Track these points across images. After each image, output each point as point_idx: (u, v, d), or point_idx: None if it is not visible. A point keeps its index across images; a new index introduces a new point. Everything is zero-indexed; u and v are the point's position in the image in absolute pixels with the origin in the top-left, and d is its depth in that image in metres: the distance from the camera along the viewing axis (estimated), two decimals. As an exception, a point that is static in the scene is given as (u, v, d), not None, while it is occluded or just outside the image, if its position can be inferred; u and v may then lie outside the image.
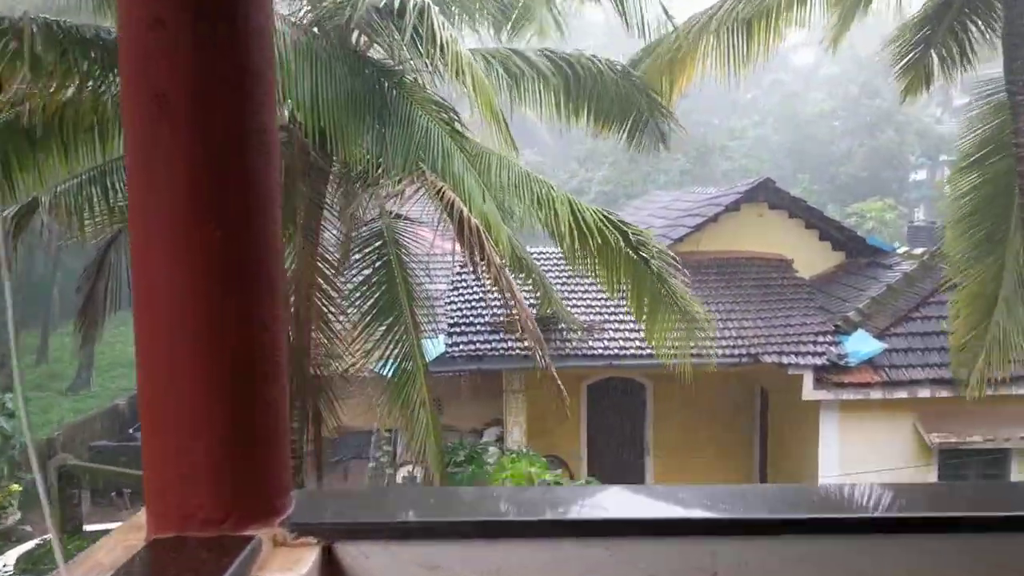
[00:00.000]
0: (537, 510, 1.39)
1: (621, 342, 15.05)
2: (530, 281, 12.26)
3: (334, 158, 9.59)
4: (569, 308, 14.92)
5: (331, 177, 10.03)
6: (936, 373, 13.96)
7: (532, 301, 12.96)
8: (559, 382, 9.54)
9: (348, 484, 16.94)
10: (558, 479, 11.40)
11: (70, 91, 7.53)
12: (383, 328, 9.84)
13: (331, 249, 10.48)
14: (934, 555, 1.28)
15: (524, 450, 13.27)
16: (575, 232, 9.67)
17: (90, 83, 7.29)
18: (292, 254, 9.89)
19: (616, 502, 1.44)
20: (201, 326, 1.17)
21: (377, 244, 10.32)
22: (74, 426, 20.87)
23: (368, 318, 10.00)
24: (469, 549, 1.26)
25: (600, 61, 10.93)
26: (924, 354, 14.38)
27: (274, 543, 1.22)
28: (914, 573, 1.28)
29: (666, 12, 10.78)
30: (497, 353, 14.68)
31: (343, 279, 10.53)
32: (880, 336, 14.59)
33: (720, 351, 14.08)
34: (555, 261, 16.81)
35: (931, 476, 14.59)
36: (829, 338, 14.61)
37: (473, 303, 15.79)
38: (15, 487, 15.92)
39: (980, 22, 11.16)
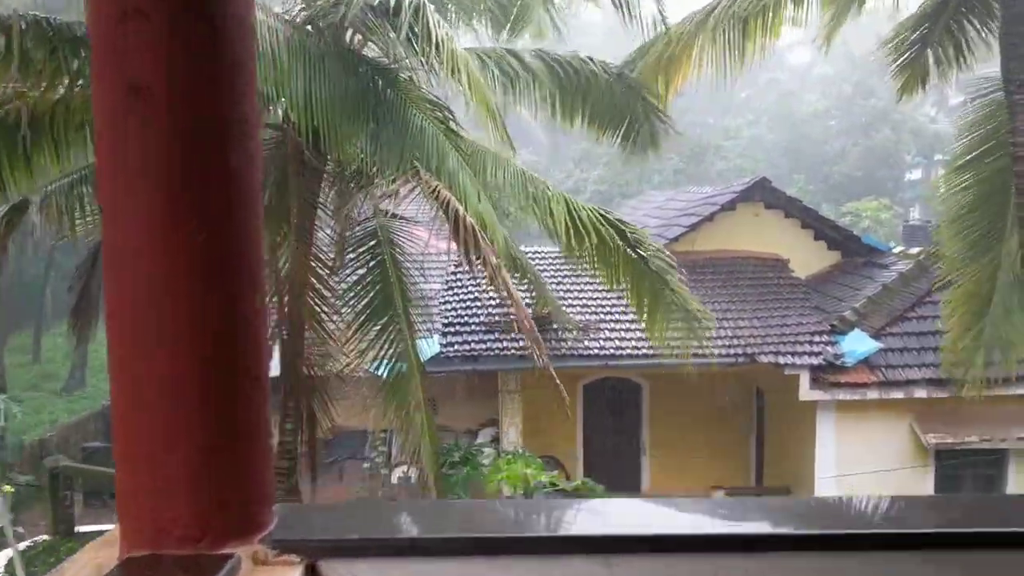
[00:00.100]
0: (534, 525, 1.33)
1: (617, 342, 15.02)
2: (525, 281, 12.21)
3: (328, 157, 9.53)
4: (564, 308, 14.88)
5: (325, 176, 9.97)
6: (932, 373, 13.94)
7: (528, 301, 12.90)
8: (558, 381, 9.49)
9: (343, 484, 16.87)
10: (554, 480, 11.35)
11: (61, 89, 7.46)
12: (377, 328, 9.81)
13: (325, 249, 10.43)
14: (940, 571, 1.23)
15: (520, 451, 13.22)
16: (571, 231, 9.62)
17: (80, 81, 7.22)
18: (286, 254, 9.85)
19: (618, 516, 1.38)
20: (179, 329, 1.10)
21: (371, 243, 10.28)
22: (67, 427, 20.77)
23: (362, 318, 9.96)
24: (463, 566, 1.20)
25: (595, 63, 10.89)
26: (920, 354, 14.37)
27: (254, 561, 1.15)
28: None
29: (661, 12, 10.75)
30: (492, 353, 14.63)
31: (337, 279, 10.49)
32: (876, 336, 14.57)
33: (716, 351, 14.04)
34: (550, 260, 16.78)
35: (928, 477, 14.57)
36: (825, 338, 14.59)
37: (468, 303, 15.73)
38: (7, 488, 15.83)
39: (977, 21, 11.13)
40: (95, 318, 11.14)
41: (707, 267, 16.80)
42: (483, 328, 15.01)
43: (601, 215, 9.91)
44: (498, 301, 13.02)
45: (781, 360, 14.39)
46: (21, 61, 6.69)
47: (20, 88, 7.40)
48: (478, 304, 15.49)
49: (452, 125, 9.42)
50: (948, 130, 40.18)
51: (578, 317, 15.22)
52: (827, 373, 14.21)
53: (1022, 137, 9.78)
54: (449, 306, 15.89)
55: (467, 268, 10.44)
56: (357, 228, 10.45)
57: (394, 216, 10.71)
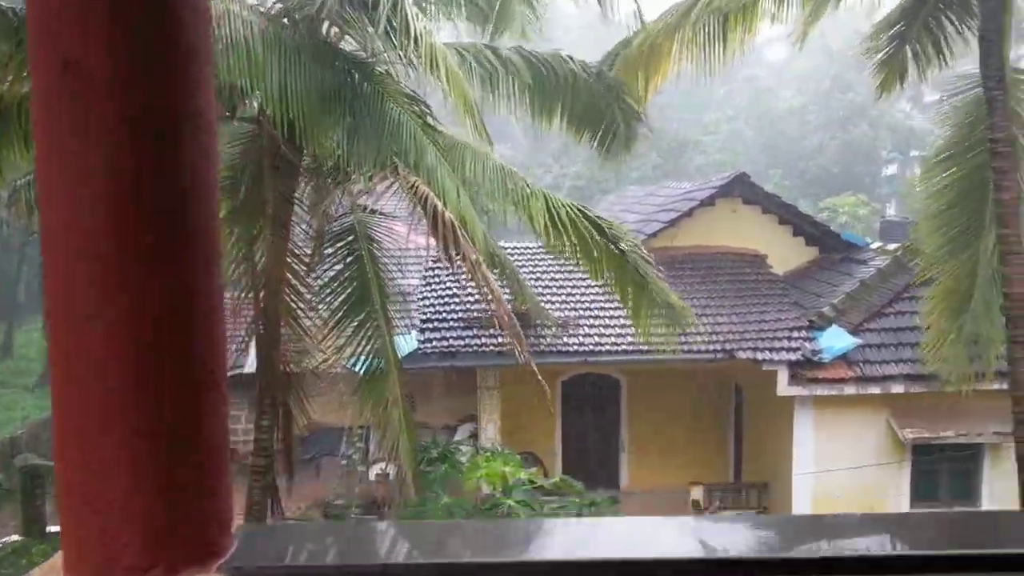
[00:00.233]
0: (502, 550, 1.24)
1: (596, 338, 14.97)
2: (504, 277, 12.15)
3: (304, 152, 9.42)
4: (543, 304, 14.82)
5: (302, 171, 9.86)
6: (910, 368, 14.00)
7: (506, 297, 12.83)
8: (540, 377, 9.44)
9: (320, 481, 16.75)
10: (533, 477, 11.29)
11: (29, 82, 7.30)
12: (355, 324, 9.73)
13: (301, 244, 10.33)
14: None
15: (498, 448, 13.16)
16: (550, 229, 9.57)
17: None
18: (262, 248, 9.74)
19: (583, 540, 1.29)
20: (112, 309, 1.01)
21: (349, 239, 10.20)
22: (39, 424, 20.43)
23: (339, 314, 9.88)
24: None
25: (574, 62, 10.83)
26: (898, 349, 14.43)
27: None
28: None
29: (639, 9, 10.73)
30: (471, 350, 14.54)
31: (314, 275, 10.39)
32: (854, 331, 14.61)
33: (695, 347, 14.03)
34: (528, 256, 16.71)
35: (904, 472, 14.64)
36: (803, 334, 14.61)
37: (446, 299, 15.63)
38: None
39: (955, 18, 11.15)
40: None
41: (686, 263, 16.78)
42: (461, 324, 14.92)
43: (580, 211, 9.86)
44: (477, 297, 12.95)
45: (759, 356, 14.40)
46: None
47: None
48: (456, 300, 15.39)
49: (430, 120, 9.34)
50: (923, 126, 40.50)
51: (557, 313, 15.16)
52: (805, 369, 14.24)
53: (1000, 134, 9.80)
54: (427, 302, 15.79)
55: (446, 264, 10.36)
56: (334, 223, 10.35)
57: (372, 211, 10.62)
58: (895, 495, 14.59)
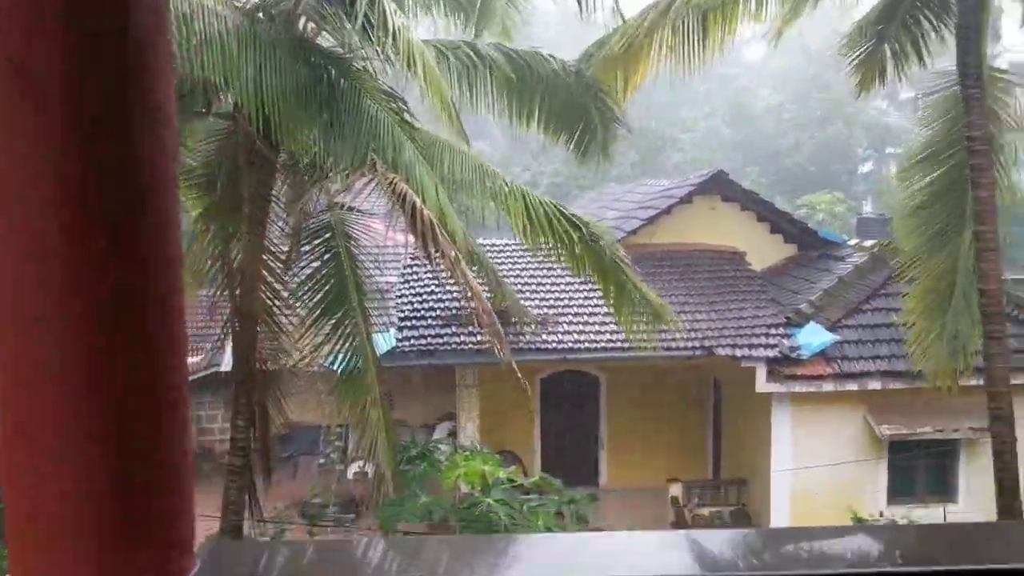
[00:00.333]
0: (498, 565, 1.18)
1: (575, 335, 14.94)
2: (482, 274, 12.09)
3: (280, 148, 9.32)
4: (522, 301, 14.77)
5: (278, 168, 9.76)
6: (887, 365, 14.08)
7: (485, 294, 12.77)
8: (520, 375, 9.40)
9: (297, 481, 16.65)
10: (512, 476, 11.23)
11: None
12: (332, 322, 9.65)
13: (278, 241, 10.23)
14: None
15: (477, 446, 13.10)
16: (527, 228, 9.53)
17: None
18: (238, 246, 9.64)
19: (557, 555, 1.24)
20: (59, 309, 0.95)
21: (326, 236, 10.12)
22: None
23: (317, 312, 9.80)
24: None
25: (555, 60, 10.79)
26: (875, 346, 14.50)
27: None
28: None
29: (617, 6, 10.70)
30: (449, 348, 14.48)
31: (291, 272, 10.30)
32: (832, 328, 14.67)
33: (674, 344, 14.04)
34: (508, 254, 16.67)
35: (881, 468, 14.72)
36: (781, 330, 14.65)
37: (424, 296, 15.56)
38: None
39: (933, 16, 11.19)
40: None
41: (665, 260, 16.81)
42: (440, 322, 14.85)
43: (559, 211, 9.82)
44: (456, 294, 12.88)
45: (738, 353, 14.43)
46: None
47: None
48: (435, 298, 15.32)
49: (408, 117, 9.27)
50: (899, 123, 40.75)
51: (536, 311, 15.13)
52: (783, 365, 14.28)
53: (978, 131, 9.84)
54: (405, 300, 15.71)
55: (425, 261, 10.29)
56: (311, 220, 10.26)
57: (350, 208, 10.54)
58: (872, 491, 14.66)
